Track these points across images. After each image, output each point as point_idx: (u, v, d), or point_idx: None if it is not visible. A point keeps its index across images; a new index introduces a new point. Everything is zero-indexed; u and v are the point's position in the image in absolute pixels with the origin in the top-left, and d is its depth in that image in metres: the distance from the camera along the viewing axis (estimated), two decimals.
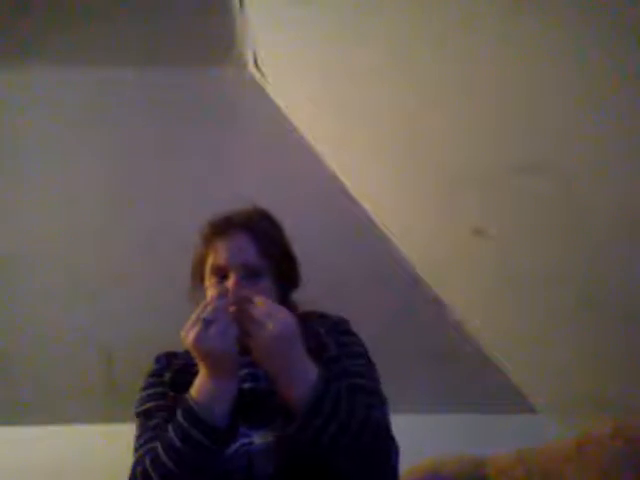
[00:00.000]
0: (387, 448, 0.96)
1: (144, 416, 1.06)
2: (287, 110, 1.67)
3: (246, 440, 0.99)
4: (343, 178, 1.73)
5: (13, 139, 1.69)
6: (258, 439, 0.99)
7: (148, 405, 1.07)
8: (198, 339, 0.89)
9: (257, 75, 1.64)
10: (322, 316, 1.15)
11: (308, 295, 1.58)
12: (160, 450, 0.92)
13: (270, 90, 1.66)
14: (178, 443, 0.90)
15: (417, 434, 1.63)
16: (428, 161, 1.51)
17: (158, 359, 1.15)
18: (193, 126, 1.70)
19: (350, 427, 0.90)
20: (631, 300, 1.45)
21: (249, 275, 1.05)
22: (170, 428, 0.93)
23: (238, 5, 1.51)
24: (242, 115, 1.70)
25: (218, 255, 1.08)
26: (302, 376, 0.91)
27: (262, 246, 1.08)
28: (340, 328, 1.14)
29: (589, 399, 1.71)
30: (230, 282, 1.03)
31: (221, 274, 1.06)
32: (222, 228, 1.11)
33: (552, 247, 1.49)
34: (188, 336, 0.89)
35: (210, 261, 1.09)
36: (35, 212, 1.74)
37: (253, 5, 1.50)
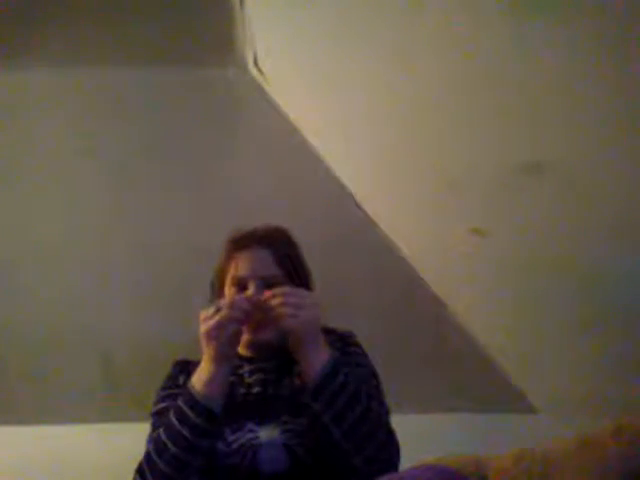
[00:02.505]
0: (387, 440, 1.02)
1: (157, 415, 1.12)
2: (287, 110, 1.67)
3: (252, 435, 1.03)
4: (343, 178, 1.73)
5: (13, 140, 1.69)
6: (264, 434, 1.03)
7: (161, 405, 1.13)
8: (204, 318, 1.01)
9: (257, 75, 1.64)
10: (328, 331, 1.18)
11: None
12: (161, 432, 1.01)
13: (270, 90, 1.66)
14: (175, 423, 0.99)
15: (417, 434, 1.63)
16: (429, 161, 1.51)
17: (175, 364, 1.23)
18: (193, 126, 1.70)
19: (358, 404, 0.99)
20: (632, 300, 1.45)
21: (267, 286, 1.11)
22: (171, 411, 1.02)
23: (238, 5, 1.51)
24: (242, 115, 1.70)
25: (239, 267, 1.16)
26: (321, 355, 1.01)
27: (280, 259, 1.16)
28: (346, 341, 1.20)
29: (589, 399, 1.71)
30: (249, 291, 1.12)
31: (241, 284, 1.15)
32: (244, 242, 1.20)
33: (552, 247, 1.49)
34: (201, 314, 1.02)
35: (231, 272, 1.18)
36: (35, 213, 1.74)
37: (253, 5, 1.50)
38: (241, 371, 1.16)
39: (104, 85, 1.65)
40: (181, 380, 1.16)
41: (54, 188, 1.73)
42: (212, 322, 0.99)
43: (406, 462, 1.02)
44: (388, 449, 1.02)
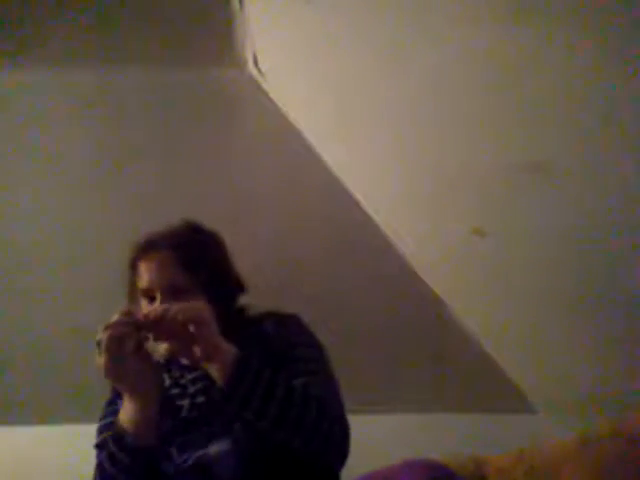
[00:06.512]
0: (321, 415, 0.94)
1: (100, 447, 1.07)
2: (287, 110, 1.67)
3: (202, 452, 0.98)
4: (343, 178, 1.73)
5: (12, 139, 1.69)
6: (214, 448, 0.97)
7: (103, 435, 1.09)
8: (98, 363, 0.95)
9: (257, 75, 1.64)
10: (272, 315, 1.13)
11: (309, 295, 1.58)
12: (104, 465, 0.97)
13: (270, 90, 1.66)
14: (108, 468, 0.96)
15: (417, 434, 1.63)
16: (428, 161, 1.51)
17: (114, 387, 1.15)
18: (192, 126, 1.70)
19: (275, 394, 0.92)
20: (631, 300, 1.45)
21: (175, 293, 1.04)
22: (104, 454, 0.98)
23: (238, 5, 1.51)
24: (242, 115, 1.70)
25: (142, 278, 1.08)
26: (225, 356, 0.94)
27: (187, 262, 1.06)
28: (283, 323, 1.12)
29: (589, 399, 1.71)
30: (156, 304, 1.03)
31: (149, 296, 1.06)
32: (143, 250, 1.11)
33: (552, 247, 1.49)
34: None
35: (138, 284, 1.09)
36: (34, 212, 1.74)
37: (253, 5, 1.50)
38: (183, 381, 1.09)
39: (104, 85, 1.65)
40: (121, 404, 1.06)
41: (53, 188, 1.73)
42: (99, 365, 0.95)
43: None
44: (327, 424, 0.94)
